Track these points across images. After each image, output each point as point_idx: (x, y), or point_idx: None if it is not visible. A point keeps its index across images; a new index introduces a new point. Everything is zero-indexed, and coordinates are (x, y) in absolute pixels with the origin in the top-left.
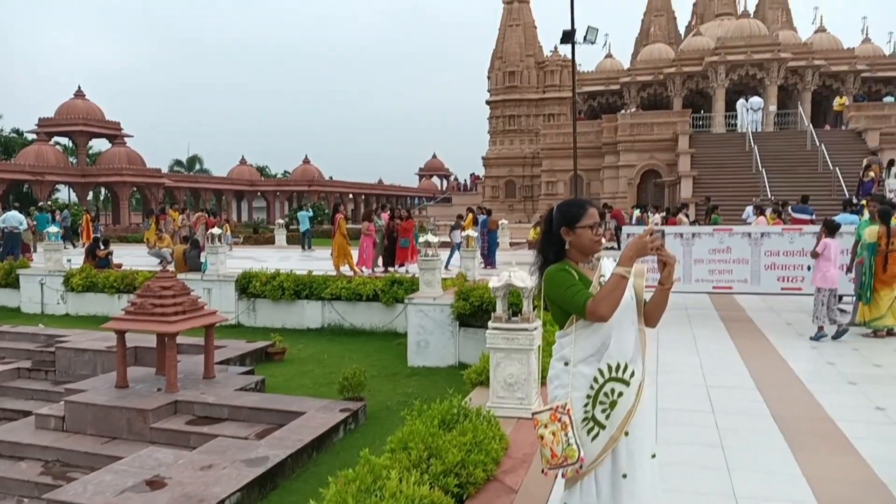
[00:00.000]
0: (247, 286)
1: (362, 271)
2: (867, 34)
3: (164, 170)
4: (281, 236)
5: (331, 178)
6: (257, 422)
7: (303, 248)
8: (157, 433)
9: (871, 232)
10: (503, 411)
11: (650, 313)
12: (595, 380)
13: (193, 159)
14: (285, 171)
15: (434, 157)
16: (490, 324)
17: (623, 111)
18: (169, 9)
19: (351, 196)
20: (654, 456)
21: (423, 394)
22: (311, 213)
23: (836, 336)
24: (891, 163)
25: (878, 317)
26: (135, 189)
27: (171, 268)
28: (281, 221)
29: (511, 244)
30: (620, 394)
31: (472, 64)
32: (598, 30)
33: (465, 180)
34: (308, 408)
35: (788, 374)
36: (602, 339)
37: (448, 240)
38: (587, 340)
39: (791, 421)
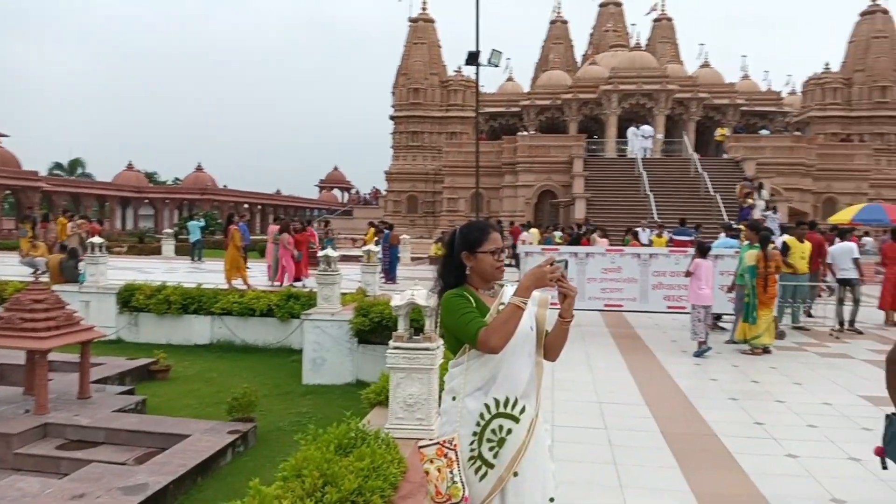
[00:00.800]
0: (129, 299)
1: (279, 284)
2: (746, 71)
3: (43, 173)
4: (169, 246)
5: (225, 186)
6: (137, 445)
7: (192, 259)
8: (22, 459)
9: (751, 255)
10: (402, 433)
11: (550, 347)
12: (482, 415)
13: (75, 163)
14: (176, 179)
15: (335, 169)
16: (391, 343)
17: (522, 133)
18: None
19: (247, 206)
20: (552, 500)
21: (317, 413)
22: (202, 223)
23: (698, 354)
24: (760, 185)
25: (756, 335)
26: (8, 192)
27: (45, 278)
28: (169, 231)
29: (413, 259)
30: (509, 431)
31: (376, 79)
32: (501, 53)
33: (367, 194)
34: (193, 430)
35: (675, 390)
36: (492, 372)
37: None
38: (477, 372)
39: (679, 437)
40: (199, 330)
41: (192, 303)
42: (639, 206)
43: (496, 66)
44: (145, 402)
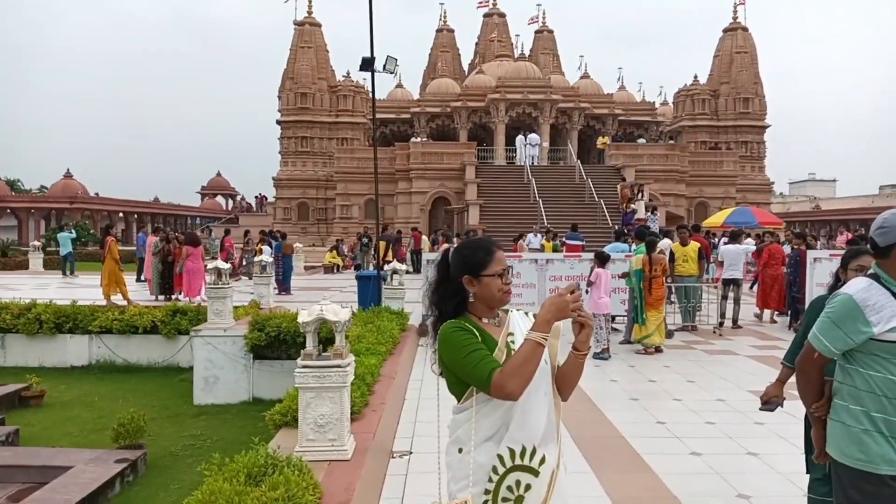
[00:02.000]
0: None
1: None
2: (623, 82)
3: None
4: (37, 260)
5: (97, 194)
6: (10, 482)
7: (64, 273)
8: None
9: (637, 260)
10: (314, 454)
11: (562, 383)
12: (494, 469)
13: None
14: (42, 187)
15: (218, 174)
16: (299, 361)
17: (414, 139)
18: None
19: (121, 215)
20: None
21: (213, 435)
22: (73, 235)
23: (597, 356)
24: (640, 188)
25: (646, 335)
26: None
27: None
28: (37, 243)
29: (306, 268)
30: (528, 486)
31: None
32: (396, 59)
33: (250, 201)
34: (75, 460)
35: (579, 392)
36: (504, 418)
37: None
38: (487, 419)
39: (588, 440)
40: (75, 350)
41: (67, 321)
42: (529, 212)
43: (391, 72)
44: (17, 432)
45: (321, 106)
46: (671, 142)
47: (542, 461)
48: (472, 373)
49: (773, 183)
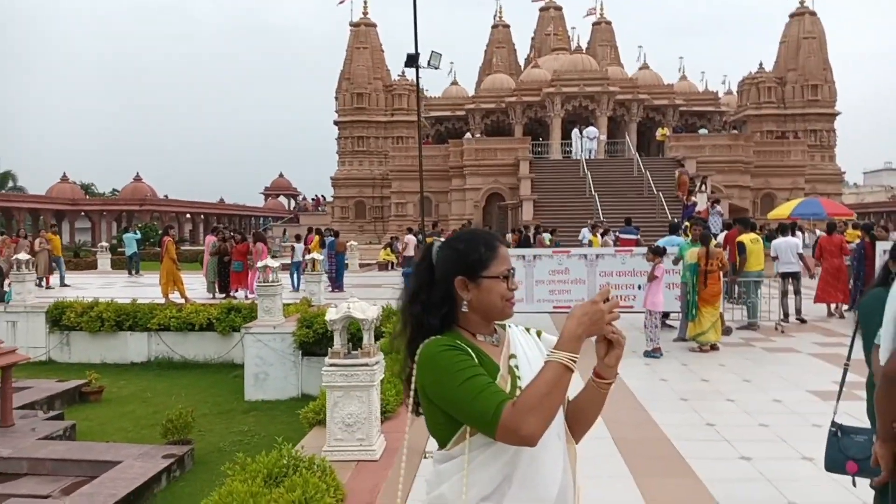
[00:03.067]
0: (60, 318)
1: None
2: (684, 72)
3: None
4: (105, 260)
5: (166, 196)
6: (64, 475)
7: (129, 272)
8: None
9: (692, 253)
10: (341, 454)
11: (576, 421)
12: None
13: (6, 176)
14: (114, 190)
15: (281, 175)
16: (327, 360)
17: (467, 136)
18: None
19: (189, 216)
20: None
21: (260, 431)
22: (138, 235)
23: (648, 353)
24: (702, 181)
25: (701, 332)
26: None
27: None
28: (105, 244)
29: (361, 266)
30: None
31: (319, 84)
32: (441, 55)
33: (310, 200)
34: (125, 455)
35: (625, 392)
36: (505, 470)
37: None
38: (484, 471)
39: (631, 443)
40: (135, 348)
41: (127, 319)
42: (585, 207)
43: (436, 67)
44: (75, 427)
45: (377, 105)
46: (734, 132)
47: None
48: (472, 408)
49: (843, 172)
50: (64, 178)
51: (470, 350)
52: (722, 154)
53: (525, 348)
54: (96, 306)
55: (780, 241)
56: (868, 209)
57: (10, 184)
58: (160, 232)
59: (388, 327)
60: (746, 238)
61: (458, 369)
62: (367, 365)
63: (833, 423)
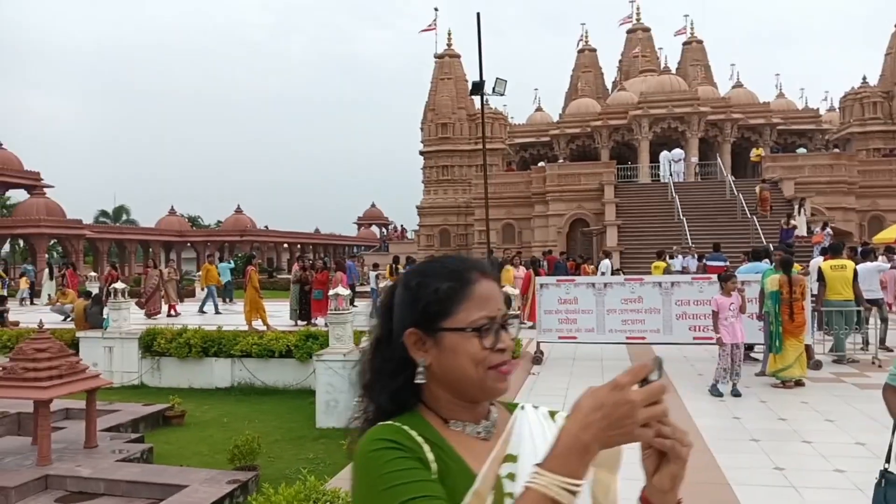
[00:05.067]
0: (151, 344)
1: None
2: (781, 89)
3: (90, 220)
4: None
5: (266, 227)
6: (136, 497)
7: (223, 300)
8: None
9: (773, 281)
10: None
11: None
12: None
13: (120, 210)
14: (218, 221)
15: (373, 205)
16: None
17: (542, 163)
18: (93, 54)
19: (286, 246)
20: None
21: (326, 459)
22: (231, 265)
23: (714, 391)
24: (801, 203)
25: (784, 367)
26: (55, 241)
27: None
28: (201, 273)
29: None
30: None
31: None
32: (506, 81)
33: (392, 231)
34: (193, 480)
35: (691, 430)
36: None
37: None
38: None
39: (688, 486)
40: (219, 373)
41: (213, 345)
42: (672, 232)
43: (501, 94)
44: (152, 450)
45: (461, 134)
46: (835, 150)
47: None
48: None
49: None
50: (172, 212)
51: (426, 449)
52: (823, 174)
53: (540, 444)
54: (185, 333)
55: (862, 266)
56: None
57: (124, 217)
58: (264, 261)
59: None
60: (826, 265)
61: (386, 486)
62: None
63: (883, 471)
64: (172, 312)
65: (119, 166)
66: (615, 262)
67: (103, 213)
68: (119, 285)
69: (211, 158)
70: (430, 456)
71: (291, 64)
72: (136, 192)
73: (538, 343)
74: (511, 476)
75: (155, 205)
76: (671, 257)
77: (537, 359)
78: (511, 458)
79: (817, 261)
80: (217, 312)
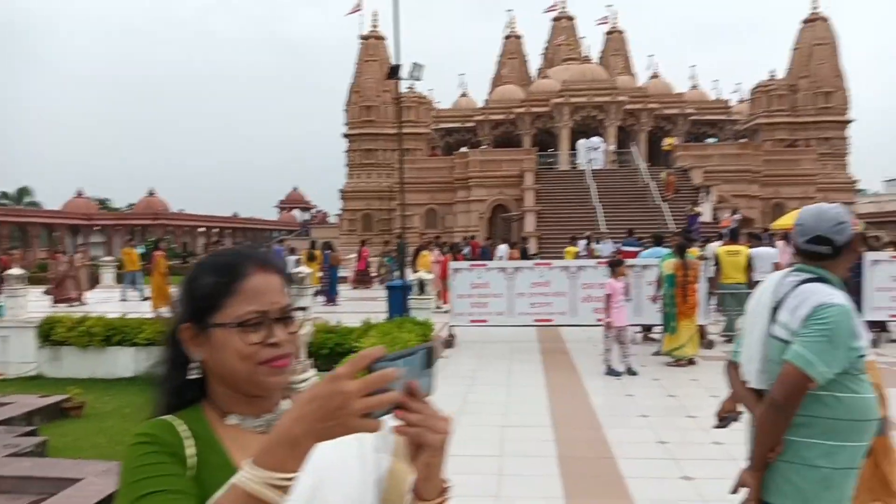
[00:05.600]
0: (50, 332)
1: None
2: (696, 80)
3: None
4: (109, 275)
5: (181, 210)
6: (25, 493)
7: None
8: None
9: (669, 265)
10: None
11: None
12: None
13: (23, 191)
14: (130, 205)
15: (295, 189)
16: None
17: (463, 149)
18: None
19: (202, 230)
20: None
21: None
22: (142, 249)
23: (611, 372)
24: (707, 189)
25: (678, 346)
26: None
27: None
28: (109, 258)
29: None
30: None
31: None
32: (423, 66)
33: (313, 215)
34: (88, 472)
35: (587, 409)
36: None
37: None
38: None
39: (574, 462)
40: (123, 362)
41: (116, 334)
42: (588, 218)
43: (418, 79)
44: (46, 443)
45: (385, 117)
46: (743, 140)
47: None
48: None
49: (857, 181)
50: (79, 194)
51: (187, 444)
52: (730, 163)
53: (328, 443)
54: (86, 321)
55: (756, 251)
56: (888, 218)
57: (27, 199)
58: (178, 245)
59: (362, 343)
60: (722, 250)
61: (133, 479)
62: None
63: None
64: (82, 300)
65: (23, 146)
66: (532, 247)
67: (3, 195)
68: (16, 271)
69: (123, 139)
70: (190, 451)
71: (217, 41)
72: (41, 174)
73: (450, 327)
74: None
75: (62, 187)
76: (598, 242)
77: (449, 342)
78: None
79: (713, 245)
80: (144, 299)
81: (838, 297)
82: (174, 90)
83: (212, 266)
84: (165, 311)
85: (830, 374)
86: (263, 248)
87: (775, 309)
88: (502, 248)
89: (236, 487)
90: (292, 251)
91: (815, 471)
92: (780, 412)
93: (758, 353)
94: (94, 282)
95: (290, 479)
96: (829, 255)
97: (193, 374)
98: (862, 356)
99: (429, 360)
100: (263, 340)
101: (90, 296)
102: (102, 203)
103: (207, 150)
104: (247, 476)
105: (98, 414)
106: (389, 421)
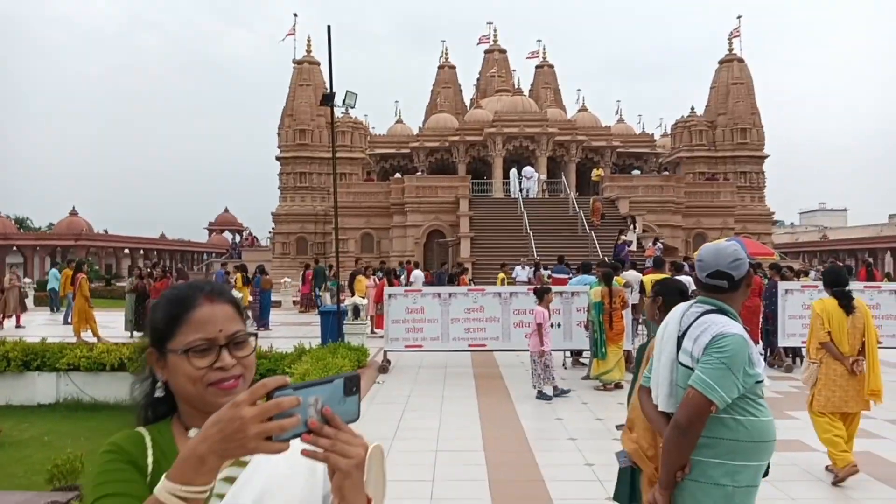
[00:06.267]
0: None
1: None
2: (621, 115)
3: None
4: (29, 298)
5: (105, 231)
6: None
7: (51, 310)
8: None
9: (596, 292)
10: None
11: None
12: None
13: None
14: (50, 224)
15: (226, 210)
16: None
17: (397, 175)
18: None
19: (127, 251)
20: None
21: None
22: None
23: (541, 396)
24: (632, 220)
25: (606, 371)
26: None
27: None
28: (28, 280)
29: (295, 303)
30: None
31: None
32: (356, 94)
33: (256, 236)
34: (4, 503)
35: (517, 433)
36: None
37: None
38: None
39: (504, 485)
40: (42, 388)
41: (35, 359)
42: (520, 245)
43: (352, 106)
44: None
45: (319, 142)
46: (666, 173)
47: None
48: None
49: (772, 213)
50: None
51: (149, 454)
52: (654, 194)
53: (280, 456)
54: (2, 344)
55: (631, 273)
56: (802, 248)
57: None
58: (102, 268)
59: (295, 369)
60: (647, 279)
61: (96, 482)
62: None
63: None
64: (14, 324)
65: None
66: (468, 274)
67: None
68: None
69: (44, 155)
70: (150, 460)
71: (144, 60)
72: None
73: (385, 352)
74: (229, 479)
75: None
76: (537, 268)
77: (384, 367)
78: (240, 464)
79: (633, 273)
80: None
81: (735, 327)
82: (97, 107)
83: (168, 298)
84: (87, 335)
85: (728, 399)
86: (214, 282)
87: (681, 338)
88: (416, 274)
89: (154, 498)
90: (228, 274)
91: (720, 489)
92: (684, 434)
93: (666, 379)
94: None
95: (198, 492)
96: (727, 289)
97: (158, 393)
98: (759, 381)
99: (349, 387)
100: (210, 365)
101: (26, 318)
102: (20, 222)
103: (133, 170)
104: (160, 487)
105: (14, 442)
106: (301, 445)
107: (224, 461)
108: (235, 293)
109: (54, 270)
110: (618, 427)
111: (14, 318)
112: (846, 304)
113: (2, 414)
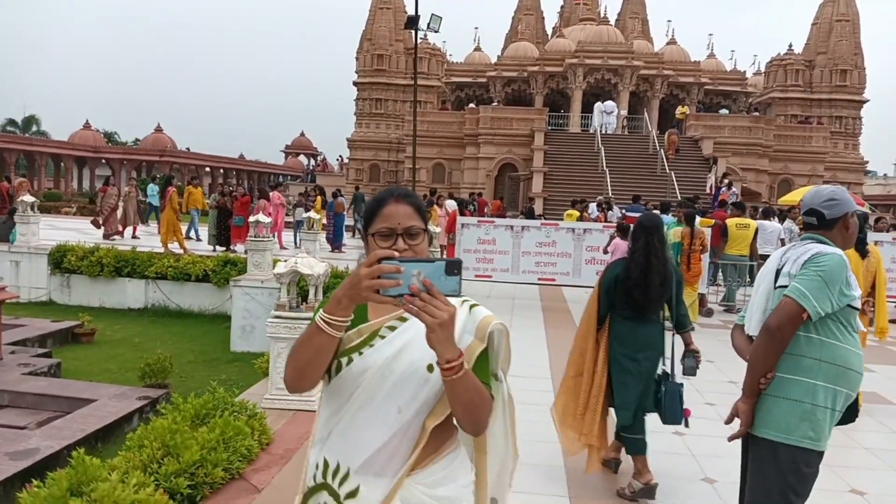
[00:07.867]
0: (61, 260)
1: None
2: (712, 50)
3: None
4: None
5: (187, 149)
6: (43, 409)
7: (143, 223)
8: None
9: (676, 233)
10: (281, 403)
11: (453, 410)
12: (314, 477)
13: (30, 120)
14: (136, 139)
15: (302, 134)
16: (272, 311)
17: (471, 106)
18: None
19: (208, 169)
20: None
21: (240, 381)
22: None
23: None
24: (715, 161)
25: None
26: None
27: None
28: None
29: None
30: None
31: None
32: (441, 18)
33: (331, 161)
34: (102, 395)
35: None
36: (330, 421)
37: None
38: (325, 409)
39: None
40: (132, 294)
41: (126, 266)
42: (595, 182)
43: (436, 31)
44: (60, 365)
45: (397, 68)
46: (756, 113)
47: (352, 494)
48: None
49: (866, 162)
50: (87, 126)
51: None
52: (741, 136)
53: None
54: (97, 251)
55: (762, 224)
56: (894, 201)
57: (34, 128)
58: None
59: None
60: (732, 222)
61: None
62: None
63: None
64: (135, 234)
65: (31, 75)
66: (538, 208)
67: (11, 122)
68: (27, 198)
69: (130, 76)
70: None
71: None
72: (49, 104)
73: None
74: (392, 328)
75: (69, 119)
76: (610, 208)
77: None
78: (402, 318)
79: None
80: (198, 239)
81: (835, 249)
82: (184, 29)
83: (372, 199)
84: (175, 246)
85: (821, 311)
86: (404, 188)
87: (779, 269)
88: (450, 203)
89: (314, 321)
90: (334, 196)
91: (798, 405)
92: (772, 339)
93: (760, 307)
94: (141, 217)
95: (338, 321)
96: (817, 226)
97: None
98: (853, 307)
99: (451, 269)
100: (389, 247)
101: (143, 229)
102: (109, 136)
103: (215, 90)
104: (318, 315)
105: (109, 341)
106: (464, 317)
107: (353, 303)
108: (313, 214)
109: (153, 186)
110: None
111: (132, 228)
112: (861, 248)
113: (96, 315)
